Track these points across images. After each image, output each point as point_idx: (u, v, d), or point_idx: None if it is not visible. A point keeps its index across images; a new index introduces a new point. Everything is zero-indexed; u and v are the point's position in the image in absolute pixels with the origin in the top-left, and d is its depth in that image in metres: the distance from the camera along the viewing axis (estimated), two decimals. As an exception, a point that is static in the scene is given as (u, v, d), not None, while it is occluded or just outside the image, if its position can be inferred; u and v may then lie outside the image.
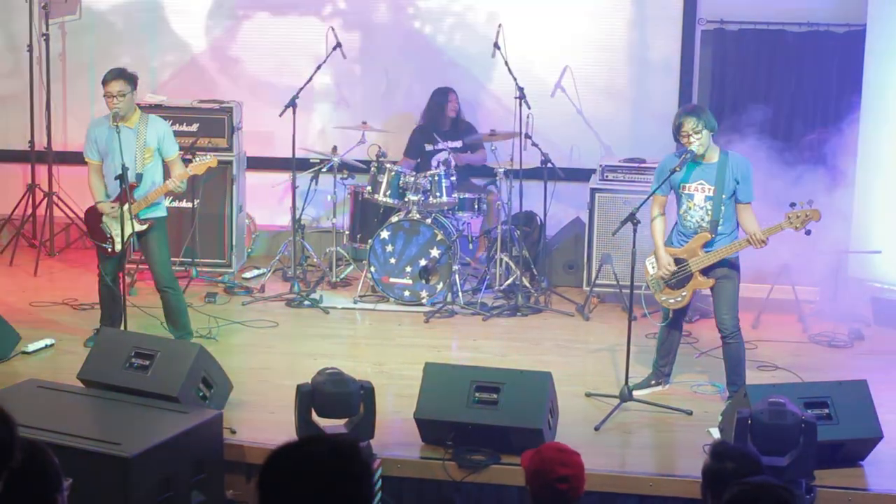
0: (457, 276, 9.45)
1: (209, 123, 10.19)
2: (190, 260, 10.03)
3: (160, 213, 8.15)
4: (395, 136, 10.50)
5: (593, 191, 9.72)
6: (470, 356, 8.15)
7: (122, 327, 7.92)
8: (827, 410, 6.43)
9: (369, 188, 9.69)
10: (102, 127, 8.03)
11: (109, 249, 8.11)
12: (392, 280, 9.46)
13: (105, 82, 7.89)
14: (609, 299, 9.73)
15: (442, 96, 10.36)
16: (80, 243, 10.94)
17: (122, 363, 6.86)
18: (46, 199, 10.82)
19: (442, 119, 10.36)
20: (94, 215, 8.16)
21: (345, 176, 10.09)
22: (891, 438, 6.50)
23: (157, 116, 8.29)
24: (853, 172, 9.26)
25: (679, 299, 7.39)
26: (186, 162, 8.33)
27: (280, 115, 9.62)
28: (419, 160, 10.44)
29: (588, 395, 7.52)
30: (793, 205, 7.03)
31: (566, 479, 4.58)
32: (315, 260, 10.31)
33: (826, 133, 9.41)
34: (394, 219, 9.52)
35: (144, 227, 7.98)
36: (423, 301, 9.42)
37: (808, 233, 7.15)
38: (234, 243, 10.24)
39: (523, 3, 10.73)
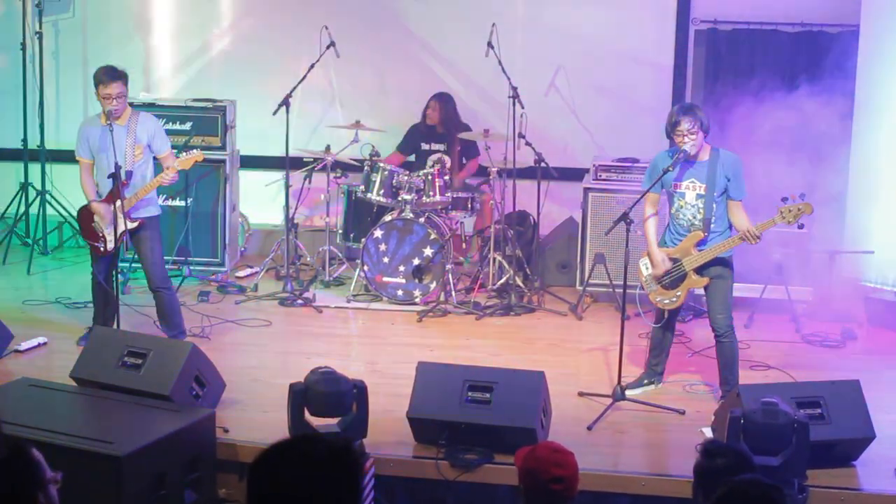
0: (450, 276, 9.44)
1: (202, 122, 10.21)
2: (183, 258, 10.02)
3: (153, 211, 8.13)
4: (388, 136, 10.50)
5: (586, 190, 9.74)
6: (463, 355, 8.13)
7: (114, 326, 7.91)
8: (819, 410, 6.43)
9: (362, 187, 9.69)
10: (95, 126, 7.99)
11: (102, 249, 8.09)
12: (385, 279, 9.46)
13: (102, 83, 7.79)
14: (602, 299, 9.74)
15: (428, 102, 10.41)
16: (73, 242, 10.94)
17: (115, 362, 6.85)
18: (39, 197, 10.81)
19: (426, 124, 10.42)
20: (86, 215, 8.14)
21: (338, 175, 10.08)
22: (883, 438, 6.50)
23: (147, 113, 8.24)
24: (846, 173, 9.27)
25: (674, 299, 7.38)
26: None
27: (273, 114, 9.61)
28: (413, 157, 10.45)
29: (581, 394, 7.51)
30: (784, 199, 7.03)
31: (560, 479, 4.57)
32: (308, 259, 10.31)
33: (819, 134, 9.41)
34: (387, 218, 9.52)
35: (135, 224, 7.96)
36: (417, 300, 9.42)
37: (800, 227, 7.14)
38: (227, 242, 10.25)
39: (517, 2, 10.74)
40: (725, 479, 3.65)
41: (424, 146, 10.43)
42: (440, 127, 10.39)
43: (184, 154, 8.20)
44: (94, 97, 8.00)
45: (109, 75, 7.84)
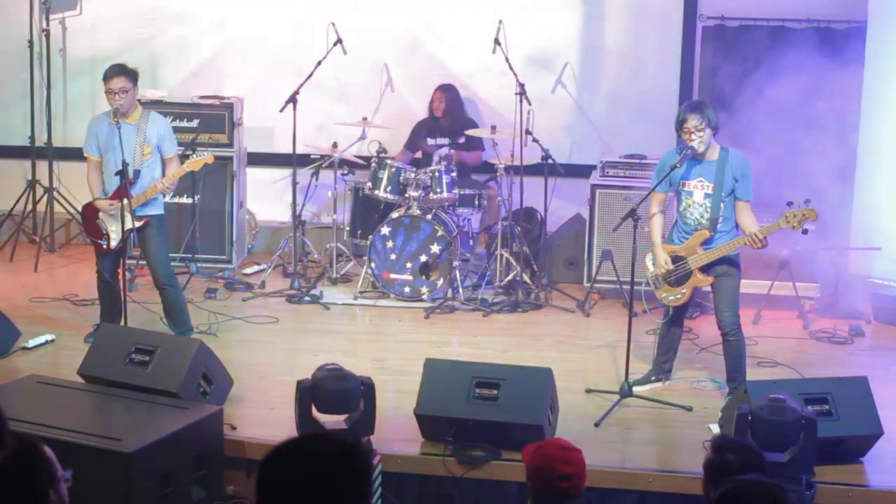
0: (457, 272, 9.44)
1: (210, 119, 10.21)
2: (190, 256, 10.03)
3: (157, 210, 8.14)
4: (395, 132, 10.50)
5: (594, 187, 9.73)
6: (470, 352, 8.14)
7: (122, 323, 7.92)
8: (827, 407, 6.43)
9: (369, 184, 9.69)
10: (103, 123, 8.03)
11: (105, 246, 8.10)
12: (392, 276, 9.46)
13: (106, 79, 7.88)
14: (609, 295, 9.73)
15: (434, 94, 10.41)
16: (80, 239, 10.94)
17: (123, 359, 6.86)
18: (47, 194, 10.82)
19: (432, 116, 10.42)
20: (90, 212, 8.16)
21: (345, 172, 10.09)
22: (891, 435, 6.49)
23: (158, 114, 8.28)
24: (853, 169, 9.26)
25: (678, 296, 7.38)
26: (185, 159, 8.31)
27: (280, 111, 9.63)
28: (419, 154, 10.45)
29: (588, 391, 7.51)
30: (790, 204, 7.02)
31: (568, 476, 4.58)
32: (315, 256, 10.31)
33: (826, 130, 9.40)
34: (394, 215, 9.52)
35: (140, 223, 7.97)
36: (424, 297, 9.42)
37: (804, 232, 7.14)
38: (234, 239, 10.25)
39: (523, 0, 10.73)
40: (727, 480, 3.65)
41: (430, 141, 10.43)
42: (445, 119, 10.38)
43: (194, 155, 8.22)
44: (102, 95, 8.04)
45: (112, 70, 7.90)
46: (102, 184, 8.07)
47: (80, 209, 9.66)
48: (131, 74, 7.93)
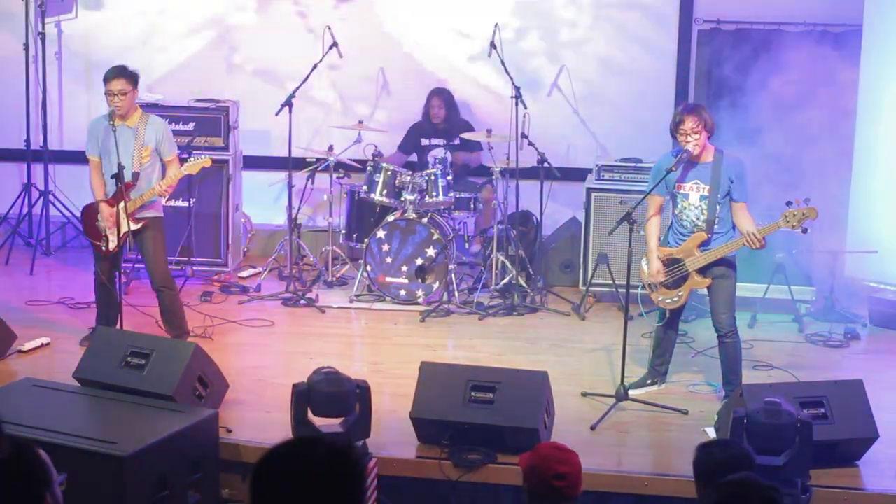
0: (453, 276, 9.44)
1: (206, 122, 10.19)
2: (186, 259, 10.02)
3: (156, 213, 8.13)
4: (390, 136, 10.50)
5: (589, 190, 9.72)
6: (466, 355, 8.14)
7: (117, 326, 7.91)
8: (823, 410, 6.43)
9: (365, 187, 9.69)
10: (102, 125, 8.01)
11: (104, 248, 8.10)
12: (388, 279, 9.46)
13: (106, 80, 7.86)
14: (605, 299, 9.73)
15: (429, 98, 10.41)
16: (76, 242, 10.94)
17: (118, 362, 6.86)
18: (42, 197, 10.81)
19: (429, 121, 10.42)
20: (90, 213, 8.15)
21: (341, 175, 10.08)
22: (886, 438, 6.50)
23: (157, 116, 8.27)
24: (849, 172, 9.26)
25: (675, 299, 7.38)
26: (183, 162, 8.31)
27: (276, 115, 9.62)
28: (413, 156, 10.45)
29: (584, 394, 7.51)
30: (789, 203, 7.02)
31: (563, 476, 4.59)
32: (311, 259, 10.31)
33: (822, 133, 9.40)
34: (390, 218, 9.51)
35: (139, 226, 7.96)
36: (419, 300, 9.41)
37: (804, 231, 7.14)
38: (230, 242, 10.24)
39: (520, 3, 10.74)
40: (721, 482, 3.65)
41: (424, 142, 10.43)
42: (443, 124, 10.39)
43: (192, 158, 8.22)
44: (97, 98, 8.04)
45: (112, 71, 7.89)
46: (105, 185, 8.06)
47: (76, 212, 9.67)
48: (132, 77, 7.92)
